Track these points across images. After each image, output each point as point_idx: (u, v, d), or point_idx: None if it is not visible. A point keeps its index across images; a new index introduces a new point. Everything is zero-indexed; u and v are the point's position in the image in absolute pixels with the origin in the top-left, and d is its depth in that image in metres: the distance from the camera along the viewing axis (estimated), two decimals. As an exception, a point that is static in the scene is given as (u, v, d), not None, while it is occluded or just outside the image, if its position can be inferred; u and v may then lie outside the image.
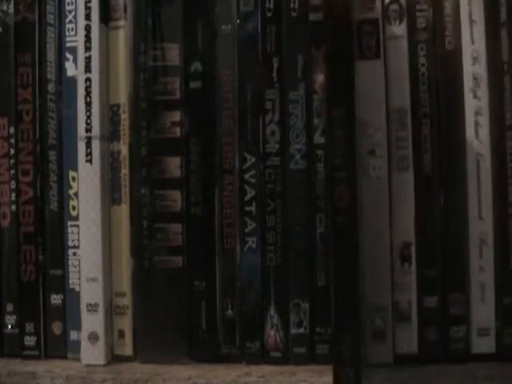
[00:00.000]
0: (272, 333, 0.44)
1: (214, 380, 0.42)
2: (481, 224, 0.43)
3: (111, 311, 0.45)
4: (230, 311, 0.44)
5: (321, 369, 0.43)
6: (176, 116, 0.45)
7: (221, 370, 0.43)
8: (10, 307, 0.46)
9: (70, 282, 0.46)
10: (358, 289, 0.42)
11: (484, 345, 0.43)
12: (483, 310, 0.43)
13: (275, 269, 0.44)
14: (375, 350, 0.43)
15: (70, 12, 0.45)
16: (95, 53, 0.44)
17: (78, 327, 0.45)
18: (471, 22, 0.43)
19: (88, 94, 0.44)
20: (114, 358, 0.45)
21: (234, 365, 0.44)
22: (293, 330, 0.44)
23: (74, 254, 0.45)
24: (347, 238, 0.42)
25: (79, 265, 0.45)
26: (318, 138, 0.44)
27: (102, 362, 0.44)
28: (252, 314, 0.44)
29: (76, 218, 0.45)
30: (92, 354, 0.44)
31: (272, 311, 0.44)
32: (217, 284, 0.45)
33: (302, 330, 0.44)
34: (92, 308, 0.44)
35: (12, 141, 0.46)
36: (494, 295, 0.43)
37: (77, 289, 0.45)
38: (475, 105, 0.43)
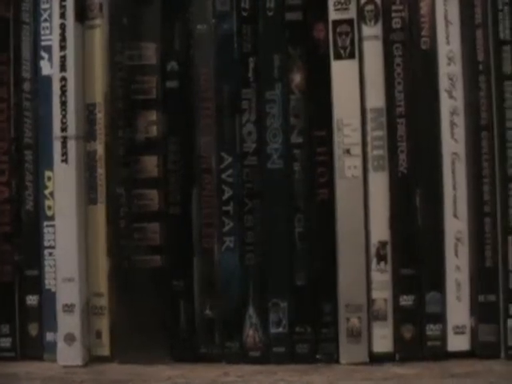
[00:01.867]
0: (251, 332, 0.44)
1: (193, 380, 0.42)
2: (456, 223, 0.43)
3: (88, 312, 0.45)
4: (208, 311, 0.44)
5: (301, 368, 0.43)
6: (153, 115, 0.44)
7: (200, 369, 0.43)
8: (-15, 309, 0.46)
9: (46, 282, 0.45)
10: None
11: (459, 343, 0.43)
12: (459, 309, 0.43)
13: (254, 268, 0.44)
14: (351, 349, 0.43)
15: (45, 10, 0.45)
16: (70, 52, 0.44)
17: (55, 328, 0.45)
18: (447, 22, 0.43)
19: (63, 93, 0.44)
20: (91, 359, 0.45)
21: (213, 364, 0.44)
22: (272, 330, 0.44)
23: (50, 254, 0.45)
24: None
25: (55, 265, 0.45)
26: (295, 138, 0.44)
27: (78, 362, 0.44)
28: (231, 314, 0.44)
29: (52, 218, 0.45)
30: (68, 354, 0.44)
31: (251, 311, 0.44)
32: (195, 284, 0.45)
33: (281, 330, 0.44)
34: (68, 309, 0.44)
35: (-13, 140, 0.46)
36: (470, 293, 0.43)
37: (53, 289, 0.45)
38: (451, 105, 0.43)
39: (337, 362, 0.43)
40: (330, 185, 0.43)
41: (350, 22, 0.43)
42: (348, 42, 0.43)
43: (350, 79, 0.43)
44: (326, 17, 0.43)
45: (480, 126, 0.43)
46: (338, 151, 0.43)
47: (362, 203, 0.43)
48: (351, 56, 0.43)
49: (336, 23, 0.43)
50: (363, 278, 0.43)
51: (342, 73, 0.43)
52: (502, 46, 0.42)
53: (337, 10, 0.43)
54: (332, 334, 0.43)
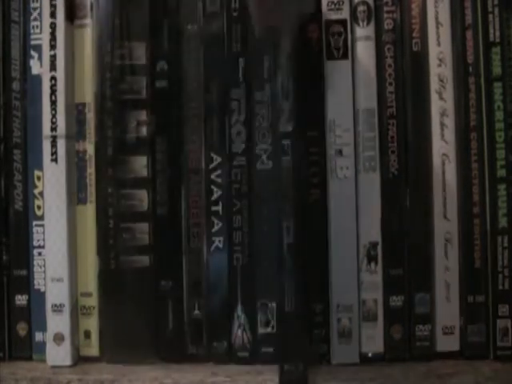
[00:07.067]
0: (239, 332, 0.44)
1: (180, 380, 0.42)
2: (446, 224, 0.43)
3: (77, 312, 0.45)
4: (196, 311, 0.44)
5: (288, 368, 0.43)
6: (142, 115, 0.44)
7: (187, 370, 0.43)
8: (-27, 308, 0.46)
9: (35, 282, 0.45)
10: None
11: (449, 343, 0.43)
12: (448, 309, 0.43)
13: (242, 268, 0.44)
14: (341, 349, 0.43)
15: (34, 9, 0.45)
16: (60, 51, 0.44)
17: (44, 328, 0.44)
18: (438, 24, 0.43)
19: (53, 92, 0.44)
20: (80, 359, 0.45)
21: (201, 365, 0.44)
22: (260, 330, 0.44)
23: (39, 253, 0.45)
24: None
25: (44, 265, 0.45)
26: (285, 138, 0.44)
27: (67, 363, 0.44)
28: (219, 314, 0.44)
29: (41, 218, 0.45)
30: (58, 355, 0.44)
31: (239, 311, 0.44)
32: (184, 284, 0.44)
33: (269, 330, 0.44)
34: (57, 308, 0.44)
35: (-25, 139, 0.46)
36: (459, 294, 0.43)
37: (42, 289, 0.45)
38: (441, 106, 0.43)
39: (328, 362, 0.43)
40: (322, 185, 0.43)
41: (343, 22, 0.43)
42: (341, 42, 0.43)
43: (343, 80, 0.43)
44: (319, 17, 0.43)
45: (470, 127, 0.43)
46: (330, 152, 0.43)
47: (354, 204, 0.43)
48: (344, 56, 0.43)
49: (329, 23, 0.43)
50: (354, 278, 0.43)
51: (335, 73, 0.43)
52: (491, 48, 0.43)
53: (330, 10, 0.43)
54: (323, 334, 0.43)
